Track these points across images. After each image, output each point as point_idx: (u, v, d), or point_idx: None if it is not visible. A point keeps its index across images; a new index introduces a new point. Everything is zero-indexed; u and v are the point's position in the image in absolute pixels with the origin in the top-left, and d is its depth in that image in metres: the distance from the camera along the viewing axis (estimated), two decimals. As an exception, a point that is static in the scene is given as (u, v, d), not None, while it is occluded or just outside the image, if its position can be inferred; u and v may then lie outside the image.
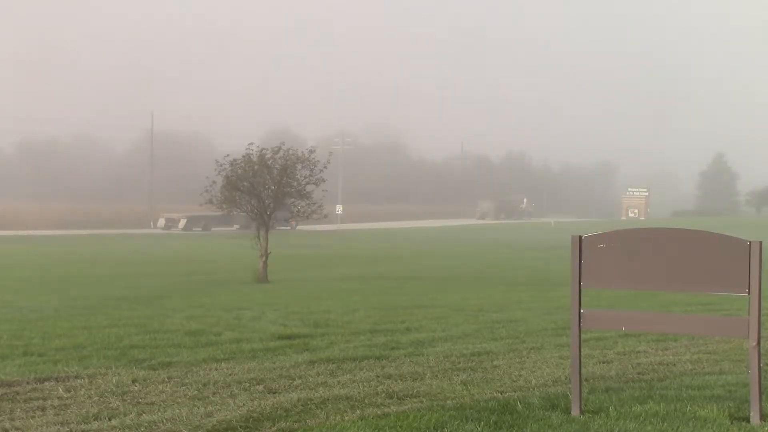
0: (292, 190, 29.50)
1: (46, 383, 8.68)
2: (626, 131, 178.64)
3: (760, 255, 6.61)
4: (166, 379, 8.88)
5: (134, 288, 25.30)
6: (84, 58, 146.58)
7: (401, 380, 8.70)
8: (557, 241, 52.63)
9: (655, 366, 9.51)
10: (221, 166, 29.27)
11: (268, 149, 29.41)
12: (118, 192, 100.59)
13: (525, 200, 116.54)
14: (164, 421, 6.90)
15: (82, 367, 9.62)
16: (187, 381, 8.78)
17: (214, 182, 29.72)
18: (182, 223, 76.35)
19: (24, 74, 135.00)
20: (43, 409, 7.56)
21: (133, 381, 8.78)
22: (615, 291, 17.06)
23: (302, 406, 7.36)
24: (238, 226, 73.15)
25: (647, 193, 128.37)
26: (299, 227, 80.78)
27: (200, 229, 75.22)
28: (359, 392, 7.98)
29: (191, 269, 35.23)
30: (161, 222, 78.05)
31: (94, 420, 7.08)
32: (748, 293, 6.63)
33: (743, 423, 6.66)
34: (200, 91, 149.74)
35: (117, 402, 7.80)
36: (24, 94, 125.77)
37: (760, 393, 6.74)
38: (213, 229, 75.36)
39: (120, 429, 6.73)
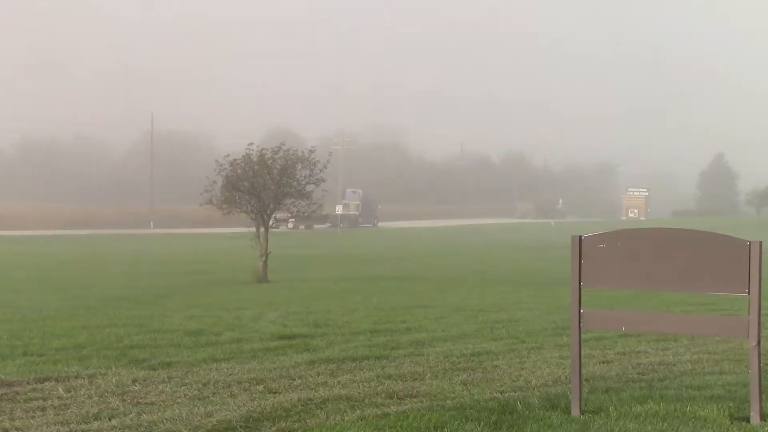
0: (292, 190, 29.50)
1: (46, 383, 8.67)
2: (626, 131, 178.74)
3: (760, 255, 6.60)
4: (166, 379, 8.87)
5: (134, 288, 25.30)
6: (84, 58, 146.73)
7: (401, 380, 8.69)
8: (557, 240, 52.62)
9: (655, 366, 9.50)
10: (221, 166, 29.27)
11: (268, 149, 29.41)
12: (118, 192, 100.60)
13: (560, 201, 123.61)
14: (164, 421, 6.90)
15: (82, 367, 9.62)
16: (187, 381, 8.77)
17: (214, 182, 29.73)
18: (290, 222, 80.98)
19: (24, 74, 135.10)
20: (43, 409, 7.55)
21: (133, 381, 8.77)
22: (615, 291, 17.05)
23: (302, 406, 7.35)
24: (330, 224, 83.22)
25: (647, 193, 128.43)
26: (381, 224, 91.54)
27: (303, 227, 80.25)
28: (359, 392, 7.98)
29: (191, 269, 35.22)
30: (272, 221, 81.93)
31: (94, 420, 7.07)
32: (748, 293, 6.63)
33: (743, 423, 6.66)
34: (200, 91, 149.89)
35: (117, 402, 7.79)
36: (24, 94, 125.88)
37: (760, 393, 6.73)
38: (315, 227, 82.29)
39: (120, 429, 6.73)
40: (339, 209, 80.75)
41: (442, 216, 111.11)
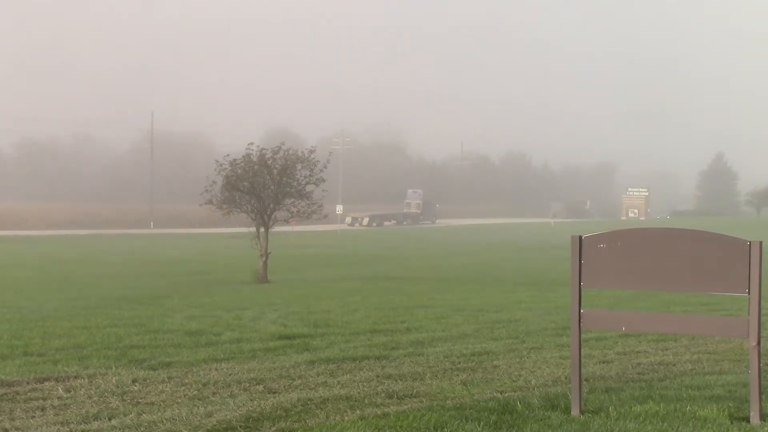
0: (292, 190, 29.49)
1: (46, 383, 8.67)
2: (626, 131, 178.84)
3: (760, 255, 6.60)
4: (166, 379, 8.87)
5: (134, 288, 25.30)
6: (84, 58, 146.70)
7: (401, 380, 8.69)
8: (557, 241, 52.65)
9: (655, 366, 9.50)
10: (221, 166, 29.27)
11: (268, 149, 29.40)
12: (118, 192, 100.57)
13: (588, 202, 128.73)
14: (164, 421, 6.90)
15: (82, 367, 9.62)
16: (187, 381, 8.77)
17: (214, 182, 29.72)
18: (365, 220, 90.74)
19: (24, 74, 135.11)
20: (43, 409, 7.55)
21: (133, 381, 8.77)
22: (615, 291, 17.05)
23: (302, 406, 7.35)
24: (394, 221, 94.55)
25: (647, 193, 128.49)
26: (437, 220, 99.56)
27: (375, 224, 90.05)
28: (359, 392, 7.98)
29: (191, 269, 35.23)
30: (348, 220, 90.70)
31: (94, 420, 7.07)
32: (748, 293, 6.63)
33: (743, 423, 6.65)
34: (200, 91, 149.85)
35: (117, 402, 7.79)
36: (24, 94, 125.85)
37: (760, 393, 6.73)
38: (384, 224, 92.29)
39: (120, 429, 6.73)
40: (339, 209, 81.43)
41: (480, 215, 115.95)
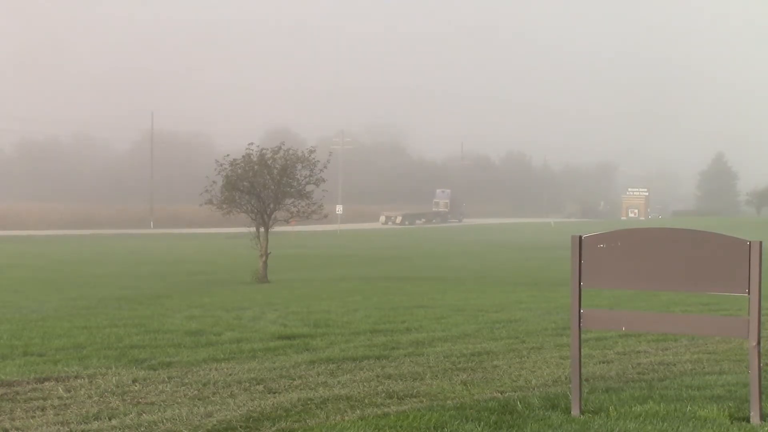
0: (292, 190, 29.48)
1: (46, 383, 8.67)
2: (626, 131, 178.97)
3: (760, 255, 6.60)
4: (166, 379, 8.87)
5: (134, 288, 25.30)
6: (84, 58, 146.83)
7: (401, 380, 8.69)
8: (558, 240, 52.69)
9: (655, 366, 9.50)
10: (221, 166, 29.25)
11: (268, 149, 29.39)
12: (118, 192, 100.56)
13: (602, 203, 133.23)
14: (164, 421, 6.90)
15: (82, 367, 9.62)
16: (187, 381, 8.77)
17: (214, 182, 29.70)
18: (399, 219, 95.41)
19: (24, 74, 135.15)
20: (43, 409, 7.55)
21: (133, 381, 8.77)
22: (615, 291, 17.04)
23: (302, 406, 7.35)
24: (424, 220, 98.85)
25: (647, 193, 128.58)
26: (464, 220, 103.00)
27: (407, 223, 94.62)
28: (359, 392, 7.98)
29: (191, 269, 35.23)
30: (382, 218, 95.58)
31: (94, 420, 7.07)
32: (748, 293, 6.63)
33: (743, 423, 6.66)
34: (200, 91, 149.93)
35: (117, 402, 7.79)
36: (24, 94, 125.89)
37: (760, 393, 6.73)
38: (416, 222, 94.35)
39: (120, 429, 6.73)
40: (339, 209, 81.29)
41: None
